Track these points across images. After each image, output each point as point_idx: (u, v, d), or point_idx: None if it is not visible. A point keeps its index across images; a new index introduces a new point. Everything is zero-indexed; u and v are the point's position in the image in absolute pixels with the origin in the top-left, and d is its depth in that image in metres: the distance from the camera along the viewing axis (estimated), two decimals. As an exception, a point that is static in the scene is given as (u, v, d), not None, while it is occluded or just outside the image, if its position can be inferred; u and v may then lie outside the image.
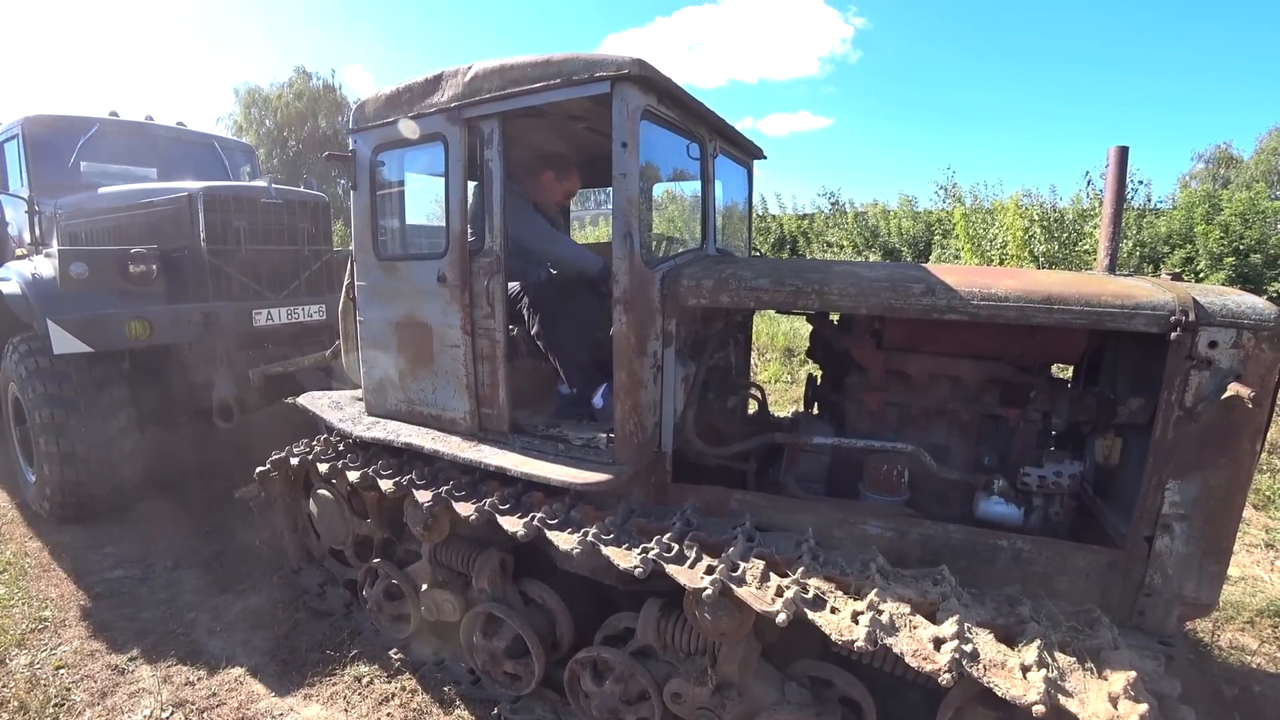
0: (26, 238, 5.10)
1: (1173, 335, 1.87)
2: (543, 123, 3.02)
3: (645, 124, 2.21)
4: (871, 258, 12.31)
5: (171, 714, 2.60)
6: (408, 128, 2.52)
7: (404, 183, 2.81)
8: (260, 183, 4.67)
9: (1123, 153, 2.41)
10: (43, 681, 2.78)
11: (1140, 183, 10.29)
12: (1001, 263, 9.84)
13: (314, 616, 3.23)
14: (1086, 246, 9.99)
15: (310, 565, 3.50)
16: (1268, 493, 4.78)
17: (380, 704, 2.64)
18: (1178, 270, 9.29)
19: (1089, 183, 10.45)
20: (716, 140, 2.85)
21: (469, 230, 2.48)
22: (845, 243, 13.24)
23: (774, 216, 15.59)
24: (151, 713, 2.60)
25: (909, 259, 12.82)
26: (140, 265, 3.99)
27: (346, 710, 2.62)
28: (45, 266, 4.05)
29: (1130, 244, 9.61)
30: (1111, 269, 2.47)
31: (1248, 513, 4.58)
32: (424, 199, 2.99)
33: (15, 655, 2.95)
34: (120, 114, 5.66)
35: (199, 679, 2.81)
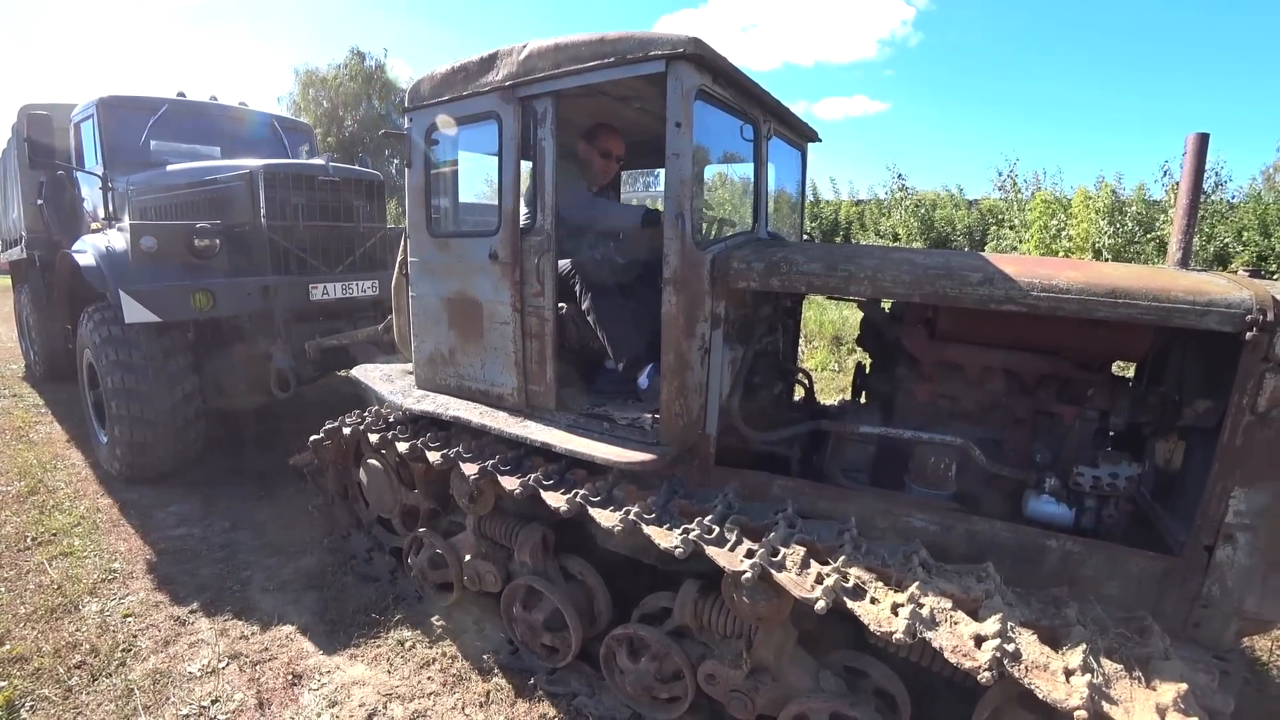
0: (100, 213, 5.36)
1: (1248, 335, 1.77)
2: (592, 103, 3.03)
3: (699, 104, 2.20)
4: (919, 245, 11.94)
5: (227, 665, 2.74)
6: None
7: (457, 161, 2.85)
8: (318, 160, 4.80)
9: (1202, 140, 2.28)
10: (112, 628, 2.97)
11: (1215, 172, 9.69)
12: (1068, 254, 9.45)
13: (361, 581, 3.36)
14: (1159, 235, 9.50)
15: (358, 531, 3.64)
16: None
17: (421, 668, 2.74)
18: (1253, 265, 8.79)
19: (1165, 174, 9.94)
20: (771, 122, 2.81)
21: (521, 208, 2.52)
22: (901, 230, 12.88)
23: (827, 202, 15.26)
24: (209, 662, 2.75)
25: (965, 248, 12.42)
26: (205, 240, 4.16)
27: (389, 672, 2.72)
28: (118, 240, 4.26)
29: (1203, 240, 9.13)
30: (1185, 263, 2.35)
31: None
32: (476, 177, 3.03)
33: (88, 602, 3.15)
34: (187, 95, 5.88)
35: (252, 634, 2.95)
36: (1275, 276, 8.86)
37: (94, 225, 5.22)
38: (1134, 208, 9.46)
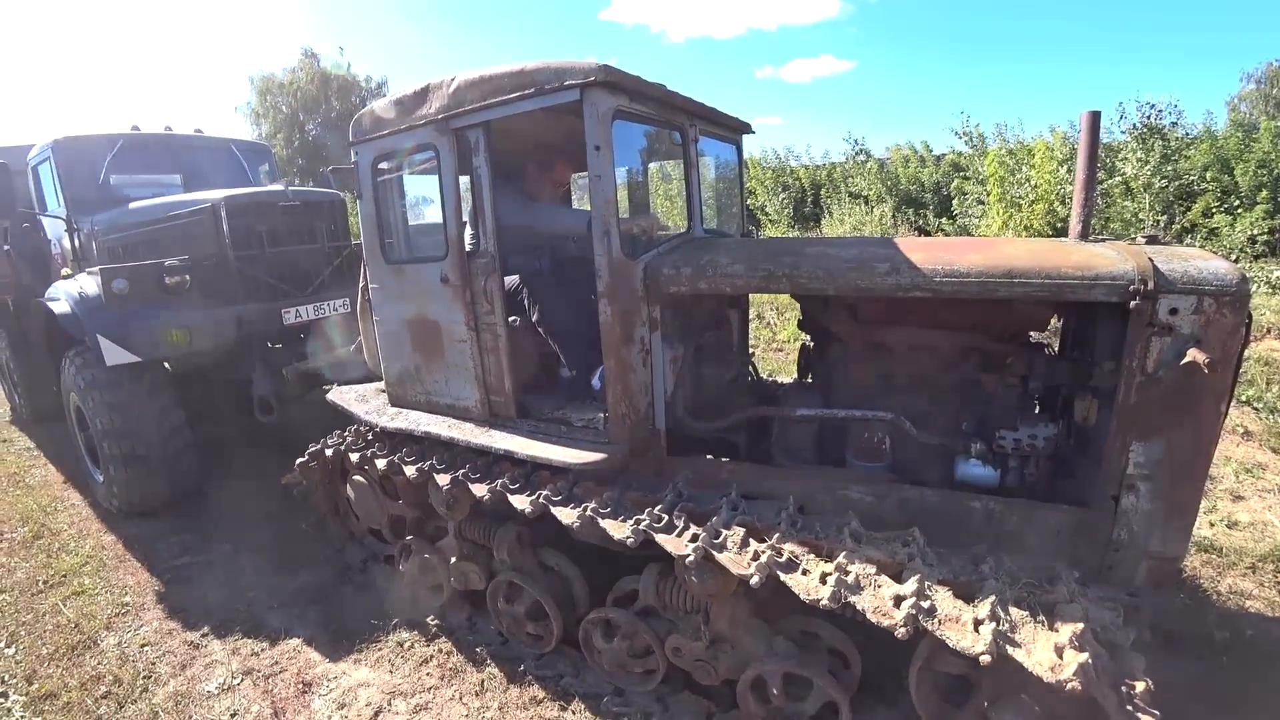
0: (69, 255, 5.42)
1: (1133, 304, 1.92)
2: (534, 117, 3.14)
3: (622, 123, 2.33)
4: (888, 207, 12.03)
5: (241, 681, 2.94)
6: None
7: (404, 190, 2.98)
8: (278, 186, 4.89)
9: (1094, 118, 2.42)
10: (131, 658, 3.15)
11: (1160, 111, 9.70)
12: (1032, 205, 9.53)
13: (359, 590, 3.55)
14: (1114, 182, 9.63)
15: (352, 544, 3.83)
16: (1288, 437, 4.75)
17: (420, 665, 2.94)
18: (1174, 223, 8.87)
19: (1122, 115, 10.02)
20: (697, 125, 2.94)
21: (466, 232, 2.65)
22: (870, 192, 12.96)
23: (791, 170, 15.29)
24: (225, 680, 2.95)
25: (932, 206, 12.51)
26: (175, 276, 4.26)
27: (391, 672, 2.92)
28: (90, 285, 4.33)
29: (1165, 182, 9.21)
30: (1084, 235, 2.50)
31: (1265, 457, 4.57)
32: (423, 202, 3.16)
33: (105, 637, 3.33)
34: (141, 127, 5.90)
35: (263, 649, 3.14)
36: (1238, 210, 8.99)
37: (64, 270, 5.29)
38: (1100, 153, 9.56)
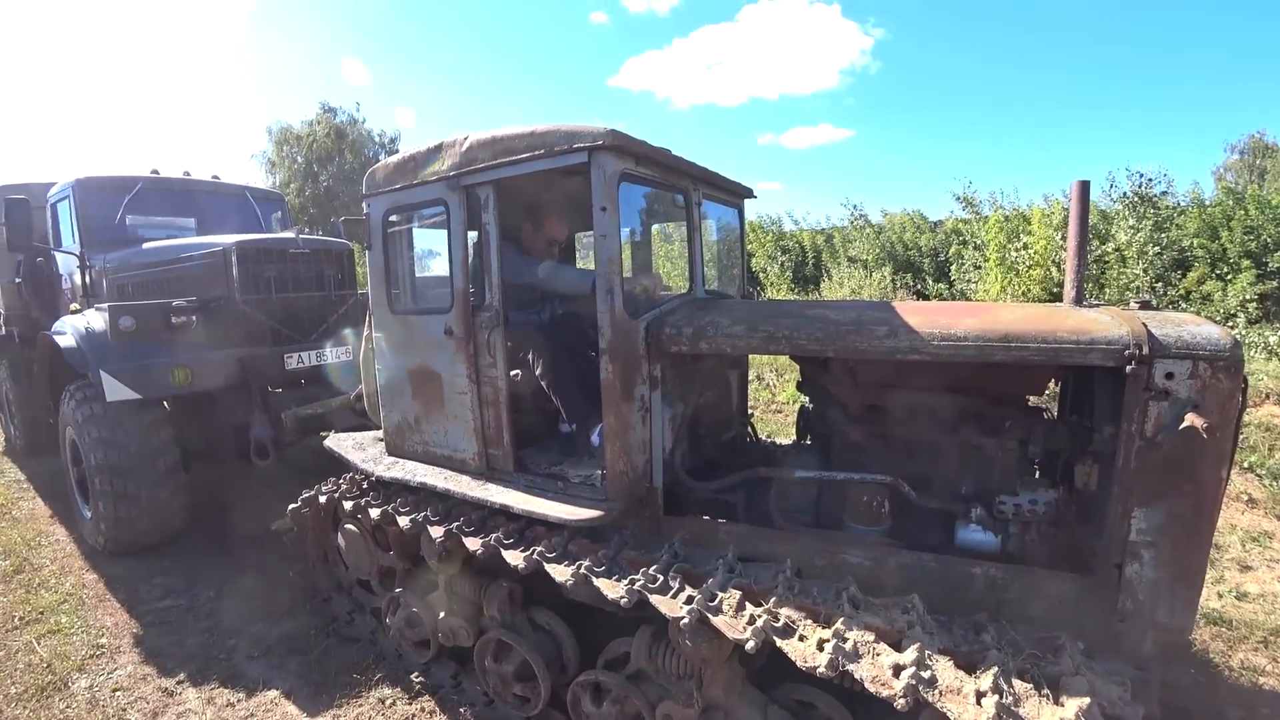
0: (79, 290, 5.51)
1: (1128, 369, 1.94)
2: (534, 176, 3.24)
3: (628, 185, 2.41)
4: (887, 271, 12.24)
5: (214, 734, 2.84)
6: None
7: (413, 243, 3.05)
8: (289, 234, 5.00)
9: (1084, 187, 2.49)
10: (101, 703, 3.05)
11: (1151, 180, 10.04)
12: (1029, 270, 9.71)
13: (343, 642, 3.45)
14: (1109, 249, 9.84)
15: (339, 594, 3.74)
16: (1291, 506, 4.71)
17: (402, 725, 2.84)
18: (1169, 290, 9.04)
19: (1112, 184, 10.33)
20: (700, 189, 3.03)
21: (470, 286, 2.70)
22: (868, 256, 13.21)
23: (791, 234, 15.65)
24: (197, 733, 2.84)
25: (929, 271, 12.73)
26: (182, 316, 4.32)
27: (371, 730, 2.82)
28: (97, 320, 4.40)
29: (1158, 249, 9.41)
30: (1078, 301, 2.54)
31: (1271, 525, 4.52)
32: (431, 256, 3.23)
33: (76, 679, 3.23)
34: (161, 170, 6.09)
35: (239, 700, 3.04)
36: (1229, 278, 9.15)
37: (73, 305, 5.36)
38: (1091, 219, 9.81)
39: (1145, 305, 2.40)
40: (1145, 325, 2.00)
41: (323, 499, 3.32)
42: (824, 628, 1.96)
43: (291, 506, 3.54)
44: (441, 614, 2.92)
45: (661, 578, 2.16)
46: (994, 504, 2.36)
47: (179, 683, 3.19)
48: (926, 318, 2.25)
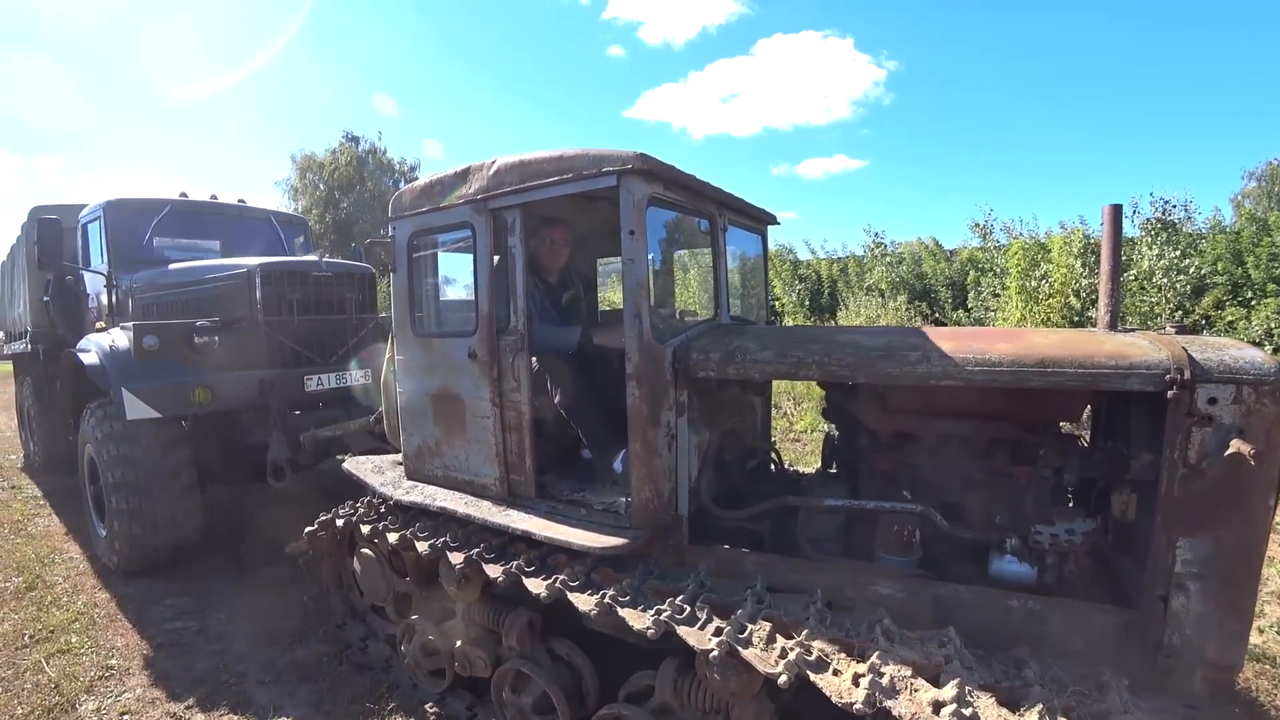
0: (105, 309, 5.60)
1: (1170, 394, 1.89)
2: (564, 199, 3.26)
3: (654, 210, 2.41)
4: (903, 300, 12.18)
5: (222, 762, 2.77)
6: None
7: (438, 266, 3.06)
8: (312, 257, 5.06)
9: (1116, 211, 2.47)
10: (109, 728, 3.00)
11: (1184, 206, 10.00)
12: (1049, 298, 9.63)
13: (356, 670, 3.38)
14: (1129, 276, 9.74)
15: (353, 620, 3.68)
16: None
17: (416, 757, 2.76)
18: (1188, 317, 8.95)
19: (1135, 210, 10.26)
20: (725, 214, 3.03)
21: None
22: (885, 284, 13.16)
23: (807, 263, 15.67)
24: (206, 761, 2.78)
25: (948, 299, 12.66)
26: (204, 337, 4.36)
27: (384, 762, 2.75)
28: (121, 339, 4.45)
29: (1183, 277, 9.32)
30: (1113, 326, 2.50)
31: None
32: (455, 279, 3.24)
33: (84, 701, 3.19)
34: (189, 194, 6.21)
35: (248, 728, 2.98)
36: (1252, 303, 9.03)
37: (99, 324, 5.44)
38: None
39: (1182, 330, 2.36)
40: (1185, 350, 1.96)
41: (339, 522, 3.29)
42: (858, 661, 1.89)
43: (307, 530, 3.51)
44: (458, 642, 2.86)
45: (688, 608, 2.10)
46: (1029, 534, 2.29)
47: (188, 708, 3.13)
48: (959, 343, 2.21)
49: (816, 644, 1.94)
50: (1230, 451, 1.81)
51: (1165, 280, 9.25)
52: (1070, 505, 2.45)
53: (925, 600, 2.24)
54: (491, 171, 2.61)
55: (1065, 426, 2.65)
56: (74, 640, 3.73)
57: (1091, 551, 2.31)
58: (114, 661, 3.52)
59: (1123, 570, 2.36)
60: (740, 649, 1.91)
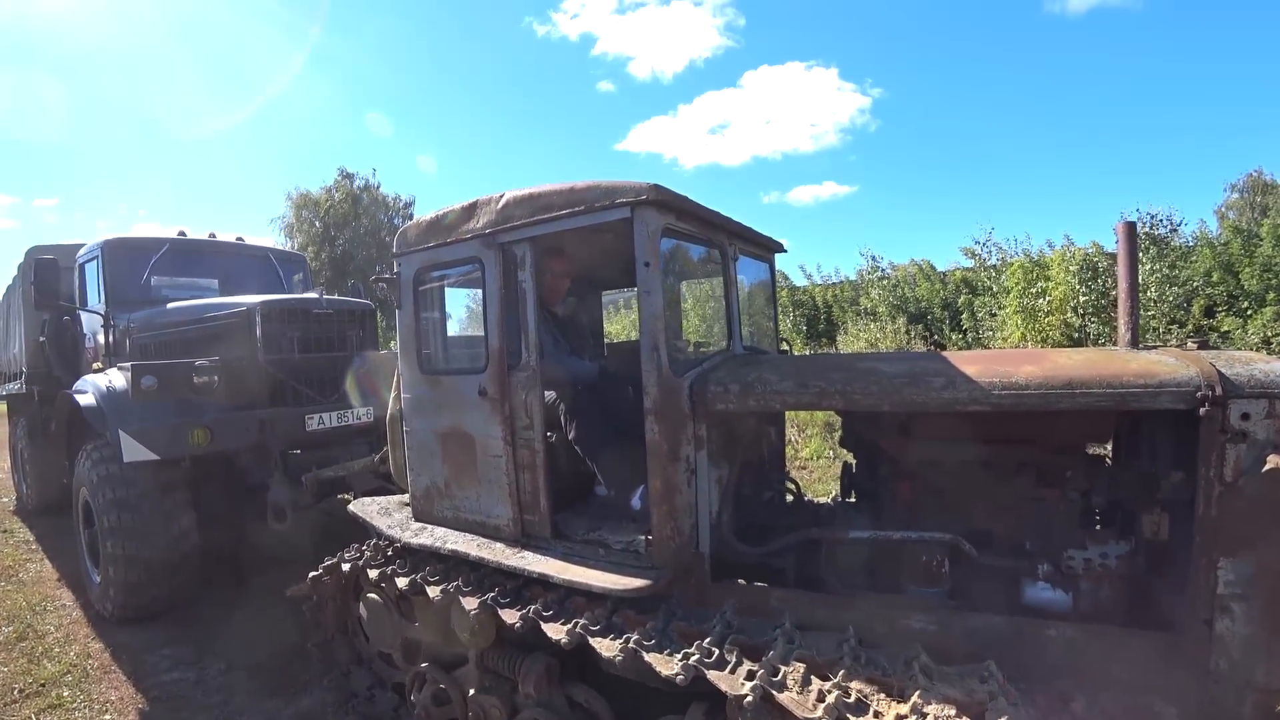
0: (102, 349, 5.52)
1: (1202, 411, 1.85)
2: (569, 233, 3.23)
3: (666, 240, 2.38)
4: (901, 323, 12.22)
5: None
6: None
7: (445, 302, 3.02)
8: (311, 294, 5.02)
9: (1130, 228, 2.44)
10: (102, 792, 2.86)
11: (1168, 219, 10.16)
12: (1048, 316, 9.68)
13: (363, 720, 3.26)
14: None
15: (359, 668, 3.55)
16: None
17: (429, 815, 2.63)
18: (1200, 333, 9.04)
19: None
20: (736, 243, 3.01)
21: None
22: (881, 308, 13.23)
23: (803, 289, 15.76)
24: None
25: (944, 320, 12.72)
26: (204, 376, 4.28)
27: (395, 822, 2.61)
28: (119, 380, 4.36)
29: (1175, 290, 9.40)
30: (1134, 343, 2.46)
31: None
32: (462, 313, 3.19)
33: (77, 762, 3.05)
34: (188, 233, 6.20)
35: (250, 789, 2.85)
36: (1249, 313, 9.10)
37: (95, 365, 5.36)
38: (1103, 263, 9.82)
39: (1204, 344, 2.32)
40: (1214, 365, 1.92)
41: (345, 566, 3.18)
42: (899, 702, 1.81)
43: (312, 574, 3.40)
44: (471, 691, 2.75)
45: (717, 651, 2.01)
46: (1061, 559, 2.23)
47: (185, 767, 3.01)
48: (984, 366, 2.17)
49: (854, 685, 1.85)
50: (1268, 468, 1.78)
51: (1157, 294, 9.34)
52: (1099, 528, 2.39)
53: (958, 632, 2.16)
54: (500, 205, 2.59)
55: (1090, 448, 2.60)
56: (66, 694, 3.60)
57: (1126, 575, 2.24)
58: (108, 717, 3.40)
59: (1157, 593, 2.29)
60: (775, 693, 1.82)
